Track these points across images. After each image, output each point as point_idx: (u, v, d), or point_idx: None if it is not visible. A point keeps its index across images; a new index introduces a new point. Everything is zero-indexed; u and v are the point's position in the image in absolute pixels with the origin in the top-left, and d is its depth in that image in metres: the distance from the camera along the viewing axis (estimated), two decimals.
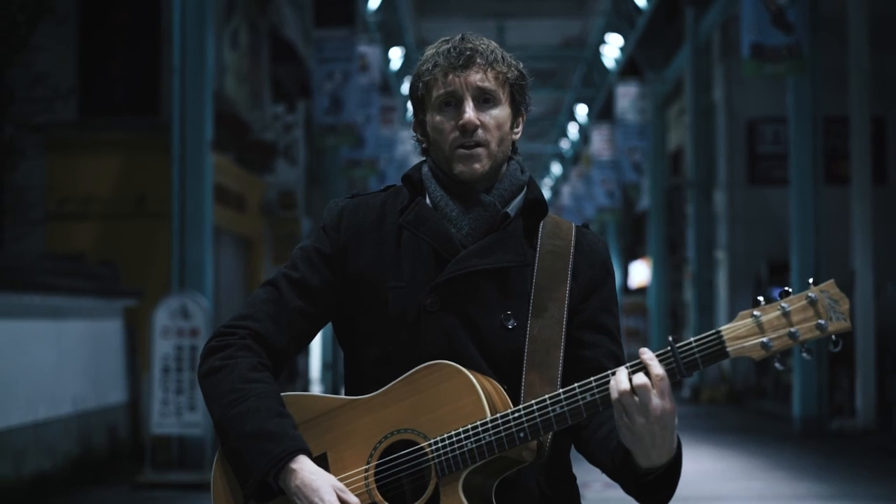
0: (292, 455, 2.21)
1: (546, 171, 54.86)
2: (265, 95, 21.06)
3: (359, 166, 24.87)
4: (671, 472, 2.20)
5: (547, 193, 57.39)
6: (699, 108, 25.92)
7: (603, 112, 36.82)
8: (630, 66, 31.86)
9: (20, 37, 11.67)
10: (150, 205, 14.99)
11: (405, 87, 34.68)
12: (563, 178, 50.61)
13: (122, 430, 13.36)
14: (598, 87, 37.16)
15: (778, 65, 15.25)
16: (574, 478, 2.44)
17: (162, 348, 11.96)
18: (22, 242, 13.56)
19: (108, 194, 15.07)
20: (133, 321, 13.90)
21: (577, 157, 44.37)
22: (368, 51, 24.30)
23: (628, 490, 2.24)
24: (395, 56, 31.61)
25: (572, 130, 43.96)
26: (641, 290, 34.83)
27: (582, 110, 40.30)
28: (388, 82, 31.12)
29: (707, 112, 26.08)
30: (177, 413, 11.84)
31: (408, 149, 36.28)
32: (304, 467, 2.21)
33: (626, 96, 30.54)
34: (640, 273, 36.01)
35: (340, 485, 2.22)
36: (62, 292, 11.65)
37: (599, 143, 34.68)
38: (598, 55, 34.03)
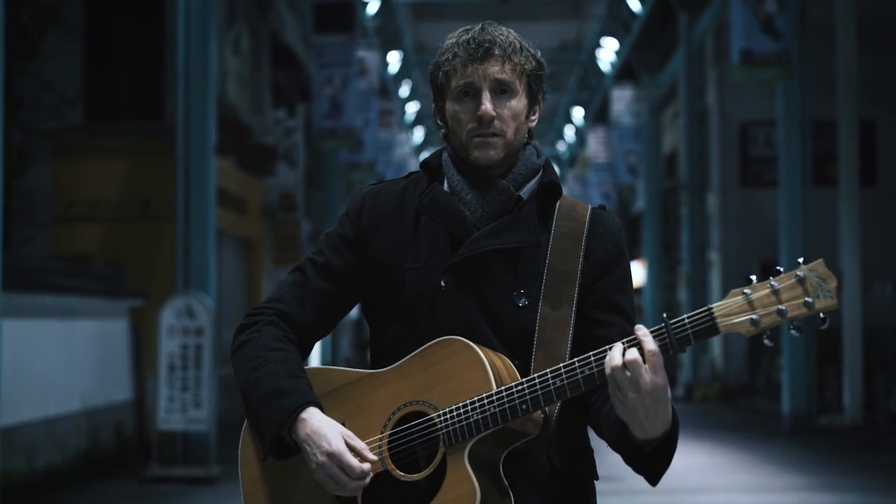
0: (302, 407, 2.33)
1: None
2: (266, 100, 21.43)
3: (358, 169, 25.25)
4: (667, 443, 2.26)
5: None
6: (693, 112, 26.30)
7: (599, 115, 37.19)
8: (625, 70, 32.23)
9: (30, 45, 12.03)
10: (155, 208, 15.35)
11: (403, 91, 35.05)
12: (559, 181, 50.95)
13: (129, 426, 13.71)
14: (594, 91, 37.54)
15: (767, 71, 15.64)
16: (589, 451, 2.51)
17: (168, 347, 12.30)
18: (30, 245, 13.94)
19: (113, 197, 15.42)
20: (138, 321, 14.26)
21: (573, 160, 44.70)
22: (367, 55, 24.68)
23: (627, 461, 2.33)
24: (393, 60, 31.96)
25: (569, 133, 44.30)
26: (636, 291, 35.17)
27: (578, 113, 40.66)
28: (386, 86, 31.45)
29: (700, 116, 26.45)
30: (182, 410, 12.20)
31: (406, 151, 36.66)
32: (313, 417, 2.33)
33: (622, 100, 30.91)
34: (635, 274, 36.32)
35: (348, 431, 2.33)
36: (72, 292, 12.02)
37: (595, 145, 35.06)
38: (594, 59, 34.43)
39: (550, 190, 2.50)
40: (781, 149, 17.57)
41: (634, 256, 36.07)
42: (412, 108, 38.27)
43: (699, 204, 26.14)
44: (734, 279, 25.16)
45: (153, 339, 13.90)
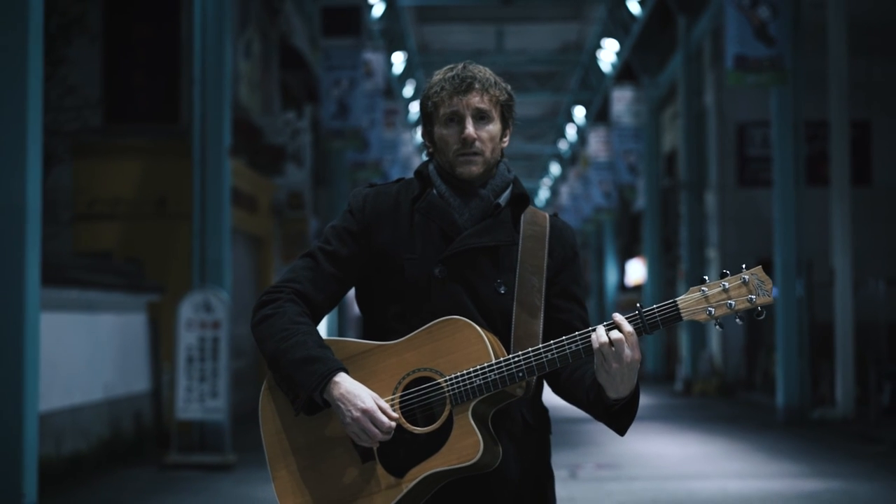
0: (335, 372, 2.80)
1: (545, 171, 55.65)
2: (275, 101, 22.00)
3: (364, 168, 25.82)
4: (632, 402, 2.85)
5: (546, 193, 58.20)
6: (691, 113, 26.87)
7: (600, 115, 37.71)
8: (626, 71, 32.77)
9: (56, 53, 12.58)
10: (171, 206, 15.91)
11: (407, 91, 35.58)
12: (561, 179, 51.39)
13: (147, 416, 14.28)
14: (595, 91, 38.05)
15: (760, 76, 16.20)
16: (547, 410, 3.08)
17: (186, 339, 12.86)
18: (52, 242, 14.49)
19: (130, 196, 15.99)
20: (155, 315, 14.83)
21: (574, 158, 45.17)
22: (373, 57, 25.25)
23: (599, 417, 2.89)
24: (398, 61, 32.50)
25: (570, 132, 44.78)
26: (637, 288, 35.67)
27: (579, 112, 41.15)
28: (390, 86, 31.96)
29: (699, 116, 27.02)
30: (200, 399, 12.77)
31: (409, 150, 37.20)
32: (345, 381, 2.81)
33: (622, 100, 31.42)
34: (636, 271, 36.81)
35: (376, 394, 2.81)
36: (95, 287, 12.59)
37: (596, 144, 35.55)
38: (594, 60, 34.94)
39: (521, 199, 3.03)
40: (775, 149, 18.13)
41: (635, 254, 36.62)
42: (415, 108, 38.81)
43: (698, 202, 26.71)
44: None
45: (170, 332, 14.50)
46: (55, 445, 11.19)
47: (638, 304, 2.83)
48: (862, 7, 23.58)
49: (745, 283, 2.81)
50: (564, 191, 47.39)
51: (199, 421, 13.07)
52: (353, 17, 22.04)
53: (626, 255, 39.38)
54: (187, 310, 12.89)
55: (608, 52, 32.47)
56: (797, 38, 17.59)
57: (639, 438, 15.85)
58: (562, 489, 10.81)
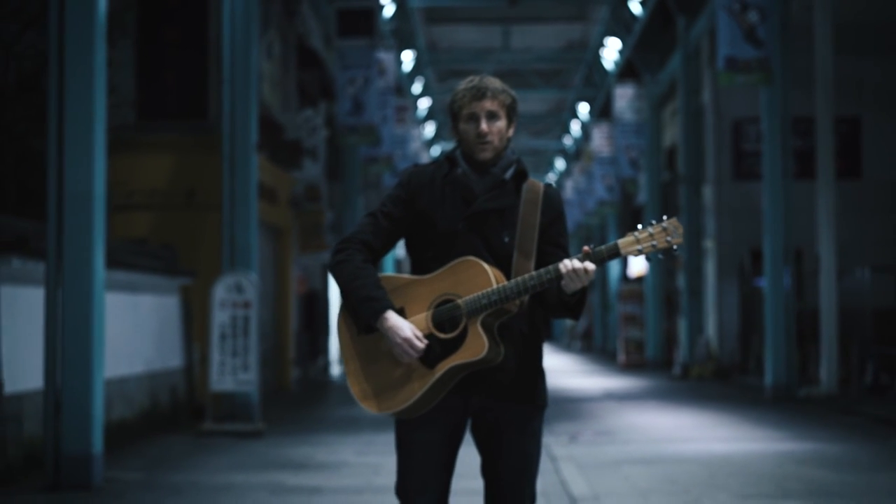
0: (385, 309, 3.96)
1: (550, 166, 56.75)
2: (293, 99, 23.19)
3: (376, 163, 27.04)
4: (582, 298, 4.00)
5: None
6: (690, 109, 28.03)
7: (603, 111, 38.79)
8: (628, 69, 33.88)
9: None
10: (200, 197, 17.11)
11: (416, 88, 36.74)
12: (566, 174, 52.47)
13: (181, 390, 15.49)
14: (598, 88, 39.14)
15: (749, 76, 17.39)
16: (539, 327, 4.13)
17: (219, 318, 14.06)
18: None
19: (162, 188, 17.18)
20: (187, 297, 16.04)
21: (579, 153, 46.22)
22: (385, 56, 26.44)
23: (559, 312, 4.02)
24: (407, 59, 33.63)
25: (575, 128, 45.86)
26: (639, 279, 36.73)
27: (584, 109, 42.21)
28: (400, 83, 33.06)
29: (697, 113, 28.19)
30: (233, 373, 13.98)
31: (418, 146, 38.35)
32: (392, 316, 3.95)
33: (624, 97, 32.50)
34: (638, 264, 37.80)
35: (415, 328, 3.95)
36: (137, 269, 13.80)
37: (599, 140, 36.60)
38: (598, 58, 36.04)
39: (521, 174, 4.15)
40: (765, 144, 19.29)
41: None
42: (424, 104, 39.92)
43: (696, 195, 27.87)
44: (728, 266, 26.92)
45: (200, 314, 15.71)
46: (105, 411, 12.37)
47: (591, 245, 4.00)
48: (853, 6, 24.74)
49: (664, 229, 3.93)
50: (569, 185, 48.45)
51: (231, 392, 14.25)
52: (366, 18, 23.20)
53: None
54: (220, 291, 14.07)
55: (611, 51, 33.55)
56: (785, 40, 18.75)
57: (634, 413, 17.06)
58: (562, 451, 12.03)
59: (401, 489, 4.10)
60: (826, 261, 18.75)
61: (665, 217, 4.02)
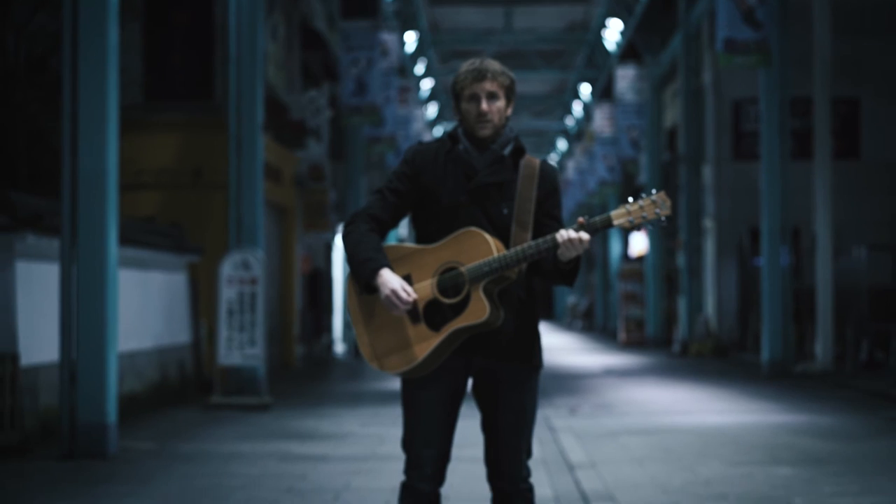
0: (380, 267, 4.25)
1: (552, 146, 56.99)
2: (297, 80, 23.47)
3: (379, 143, 27.32)
4: (577, 263, 4.27)
5: None
6: (690, 90, 28.30)
7: (605, 92, 39.01)
8: (629, 50, 34.09)
9: None
10: (206, 176, 17.42)
11: (419, 69, 36.98)
12: (568, 154, 52.70)
13: (188, 365, 15.82)
14: (600, 69, 39.37)
15: (748, 58, 17.65)
16: (535, 293, 4.59)
17: (227, 294, 14.38)
18: None
19: (169, 167, 17.50)
20: (194, 275, 16.35)
21: (580, 134, 46.45)
22: (388, 38, 26.70)
23: (555, 279, 4.31)
24: (410, 40, 33.85)
25: (577, 108, 46.08)
26: (640, 259, 37.01)
27: (585, 89, 42.43)
28: (403, 64, 33.29)
29: (697, 94, 28.45)
30: (240, 347, 14.31)
31: (421, 126, 38.60)
32: (386, 273, 4.24)
33: (625, 78, 32.71)
34: (639, 243, 38.14)
35: (405, 282, 4.23)
36: (146, 247, 14.11)
37: (601, 120, 36.80)
38: (600, 39, 36.28)
39: (519, 150, 4.42)
40: (763, 125, 19.56)
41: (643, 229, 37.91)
42: (427, 85, 40.15)
43: (696, 175, 28.16)
44: (727, 245, 27.23)
45: (207, 290, 16.04)
46: (117, 384, 12.69)
47: (586, 216, 4.29)
48: None
49: (654, 202, 4.24)
50: (570, 165, 48.71)
51: (239, 367, 14.57)
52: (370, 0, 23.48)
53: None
54: (228, 268, 14.38)
55: (613, 32, 33.79)
56: (784, 21, 19.01)
57: (633, 388, 17.39)
58: (562, 422, 12.36)
59: (407, 443, 4.42)
60: (822, 240, 19.06)
61: (654, 191, 4.31)
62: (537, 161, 4.50)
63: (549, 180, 4.47)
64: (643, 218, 4.26)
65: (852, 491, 8.03)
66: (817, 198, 19.25)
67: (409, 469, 4.41)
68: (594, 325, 48.28)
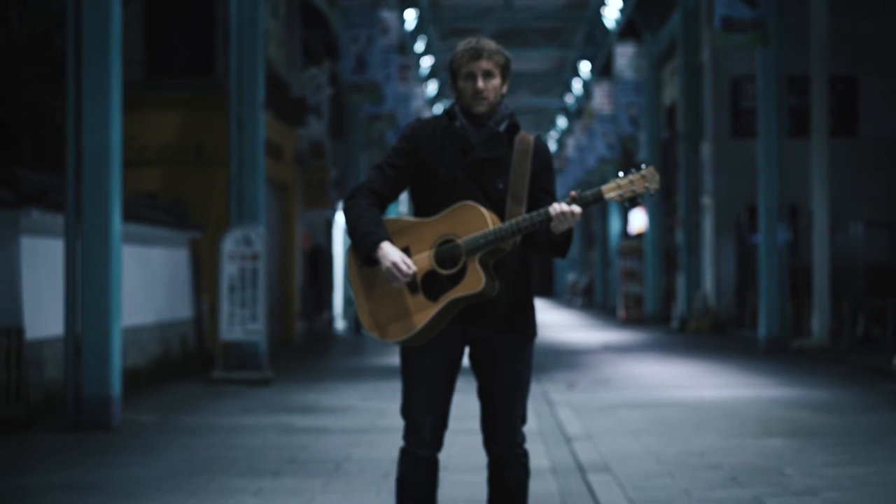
0: (381, 240, 4.38)
1: (552, 124, 57.05)
2: (298, 57, 23.57)
3: (379, 120, 27.39)
4: (570, 235, 4.42)
5: (553, 146, 59.66)
6: (689, 68, 28.39)
7: (604, 69, 39.06)
8: (629, 27, 34.15)
9: None
10: (208, 153, 17.57)
11: (419, 46, 37.03)
12: (567, 132, 52.76)
13: (190, 340, 15.98)
14: (599, 46, 39.40)
15: (745, 36, 17.74)
16: (530, 265, 4.75)
17: (228, 270, 14.53)
18: None
19: (171, 144, 17.64)
20: (196, 251, 16.50)
21: (580, 112, 46.51)
22: (388, 15, 26.77)
23: (548, 250, 4.45)
24: (410, 17, 33.88)
25: (576, 86, 46.12)
26: (639, 236, 37.17)
27: (585, 67, 42.47)
28: (403, 42, 33.35)
29: (696, 71, 28.54)
30: (241, 323, 14.46)
31: (420, 104, 38.67)
32: (385, 246, 4.36)
33: (625, 55, 32.73)
34: (638, 220, 38.28)
35: (405, 255, 4.36)
36: (148, 223, 14.25)
37: (600, 98, 36.84)
38: (599, 16, 36.28)
39: (514, 127, 4.57)
40: (760, 103, 19.69)
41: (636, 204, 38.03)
42: (427, 63, 40.19)
43: (694, 153, 28.28)
44: (725, 222, 27.38)
45: (209, 266, 16.18)
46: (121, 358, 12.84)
47: (579, 189, 4.42)
48: None
49: (643, 176, 4.41)
50: (570, 143, 48.76)
51: (240, 342, 14.72)
52: None
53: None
54: (229, 244, 14.53)
55: (612, 9, 33.79)
56: (781, 0, 19.10)
57: (631, 363, 17.56)
58: (560, 396, 12.53)
59: (406, 410, 4.58)
60: (819, 216, 19.20)
61: (644, 165, 4.45)
62: (531, 137, 4.62)
63: (543, 156, 4.59)
64: (633, 192, 4.40)
65: (843, 461, 8.19)
66: (814, 175, 19.38)
67: (407, 435, 4.56)
68: (594, 302, 48.47)
